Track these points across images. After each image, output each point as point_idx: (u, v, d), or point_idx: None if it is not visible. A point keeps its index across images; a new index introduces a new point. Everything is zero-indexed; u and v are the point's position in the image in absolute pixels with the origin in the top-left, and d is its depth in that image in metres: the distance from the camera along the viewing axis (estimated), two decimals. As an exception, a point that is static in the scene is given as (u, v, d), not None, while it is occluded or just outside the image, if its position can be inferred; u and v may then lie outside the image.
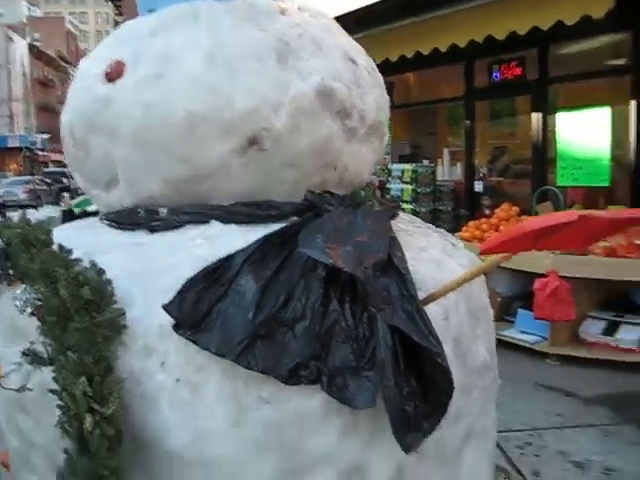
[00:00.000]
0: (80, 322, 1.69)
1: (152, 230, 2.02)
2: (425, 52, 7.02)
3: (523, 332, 4.99)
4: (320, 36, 2.08)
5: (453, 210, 8.77)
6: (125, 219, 2.07)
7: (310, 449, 1.70)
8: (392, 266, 1.74)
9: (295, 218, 1.94)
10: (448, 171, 9.08)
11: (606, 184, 5.95)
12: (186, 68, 1.91)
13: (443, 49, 6.77)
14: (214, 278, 1.73)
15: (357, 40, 2.27)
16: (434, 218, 8.32)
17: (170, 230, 1.99)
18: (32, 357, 1.72)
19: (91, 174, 2.13)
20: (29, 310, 1.78)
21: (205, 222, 1.97)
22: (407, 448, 1.63)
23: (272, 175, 1.98)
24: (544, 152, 7.18)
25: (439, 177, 9.00)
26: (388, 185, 9.02)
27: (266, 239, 1.80)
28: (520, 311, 5.06)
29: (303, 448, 1.70)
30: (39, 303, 1.77)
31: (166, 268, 1.83)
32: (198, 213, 1.99)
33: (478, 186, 8.27)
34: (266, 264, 1.75)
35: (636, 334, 4.23)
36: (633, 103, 6.11)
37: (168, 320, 1.71)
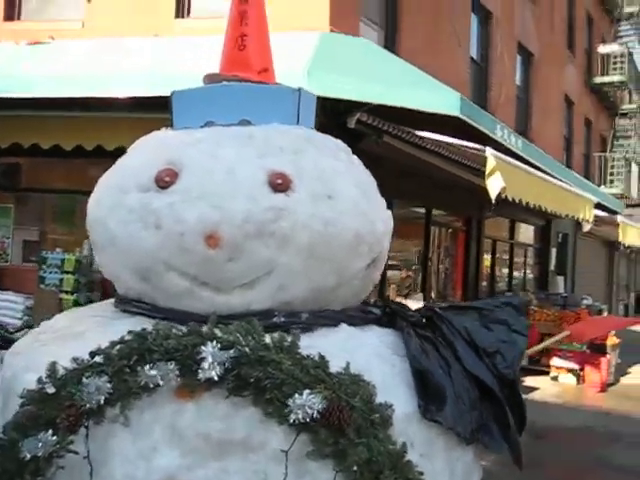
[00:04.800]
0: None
1: (289, 332, 2.15)
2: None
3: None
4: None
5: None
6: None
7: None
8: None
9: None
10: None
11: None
12: (347, 193, 2.23)
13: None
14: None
15: None
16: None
17: (308, 332, 2.18)
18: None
19: (224, 275, 2.07)
20: (315, 414, 1.80)
21: (333, 325, 2.26)
22: (520, 467, 2.42)
23: (360, 284, 2.42)
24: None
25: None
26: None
27: (415, 334, 2.30)
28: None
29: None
30: (324, 406, 1.82)
31: (363, 366, 2.10)
32: (330, 317, 2.26)
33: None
34: (429, 353, 2.27)
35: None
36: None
37: (411, 408, 2.05)
